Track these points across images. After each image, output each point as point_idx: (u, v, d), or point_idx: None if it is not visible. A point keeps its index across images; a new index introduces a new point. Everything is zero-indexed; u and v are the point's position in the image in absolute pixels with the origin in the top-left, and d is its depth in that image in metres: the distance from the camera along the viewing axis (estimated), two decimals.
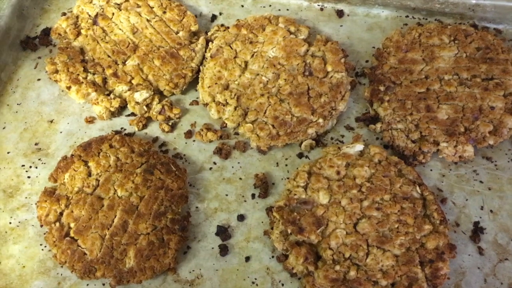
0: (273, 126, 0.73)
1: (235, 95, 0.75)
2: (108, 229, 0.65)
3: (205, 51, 0.81)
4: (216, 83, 0.77)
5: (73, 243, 0.64)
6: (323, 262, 0.64)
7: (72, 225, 0.65)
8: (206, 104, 0.77)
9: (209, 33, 0.84)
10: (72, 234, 0.65)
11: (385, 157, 0.71)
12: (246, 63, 0.78)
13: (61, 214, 0.66)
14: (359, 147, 0.72)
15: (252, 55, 0.79)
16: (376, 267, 0.62)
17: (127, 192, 0.67)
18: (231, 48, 0.80)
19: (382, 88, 0.76)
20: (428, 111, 0.73)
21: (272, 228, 0.68)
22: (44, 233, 0.67)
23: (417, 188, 0.68)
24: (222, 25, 0.85)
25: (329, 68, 0.77)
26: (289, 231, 0.65)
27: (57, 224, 0.66)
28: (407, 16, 0.87)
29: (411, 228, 0.64)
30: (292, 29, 0.81)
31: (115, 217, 0.65)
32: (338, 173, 0.69)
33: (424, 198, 0.68)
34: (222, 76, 0.77)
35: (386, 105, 0.75)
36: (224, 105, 0.75)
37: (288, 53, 0.78)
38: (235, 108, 0.75)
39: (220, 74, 0.77)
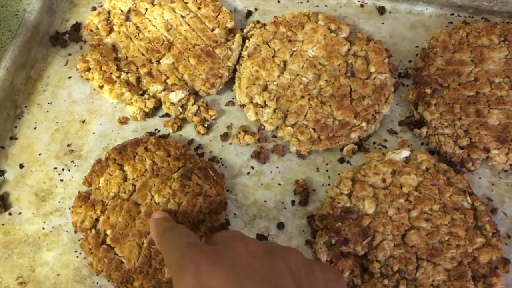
0: (314, 129, 0.70)
1: (274, 96, 0.72)
2: (146, 237, 0.62)
3: (241, 49, 0.78)
4: (254, 84, 0.73)
5: (110, 251, 0.62)
6: (370, 276, 0.61)
7: (108, 232, 0.63)
8: (243, 106, 0.74)
9: (244, 30, 0.80)
10: (108, 242, 0.62)
11: (433, 164, 0.67)
12: (285, 62, 0.75)
13: (96, 220, 0.64)
14: (405, 153, 0.69)
15: (291, 54, 0.75)
16: (427, 282, 0.59)
17: (164, 198, 0.65)
18: (269, 47, 0.76)
19: (428, 91, 0.72)
20: (478, 116, 0.69)
21: (314, 238, 0.65)
22: (79, 240, 0.65)
23: (468, 198, 0.65)
24: (258, 21, 0.81)
25: (372, 69, 0.73)
26: (333, 241, 0.63)
27: (93, 231, 0.63)
28: (452, 14, 0.82)
29: (463, 241, 0.61)
30: (333, 27, 0.78)
31: None
32: (384, 180, 0.66)
33: (475, 208, 0.65)
34: (260, 76, 0.74)
35: (433, 109, 0.71)
36: (262, 107, 0.72)
37: (329, 52, 0.74)
38: (274, 111, 0.71)
39: (258, 74, 0.74)
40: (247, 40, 0.78)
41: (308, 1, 0.85)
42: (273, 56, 0.75)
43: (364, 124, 0.71)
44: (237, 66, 0.77)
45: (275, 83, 0.73)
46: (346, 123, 0.70)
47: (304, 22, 0.78)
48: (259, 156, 0.71)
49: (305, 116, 0.71)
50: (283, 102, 0.72)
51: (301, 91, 0.72)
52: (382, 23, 0.82)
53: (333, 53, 0.75)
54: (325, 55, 0.74)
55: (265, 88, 0.73)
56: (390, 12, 0.83)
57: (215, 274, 0.35)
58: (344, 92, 0.72)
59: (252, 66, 0.75)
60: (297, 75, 0.74)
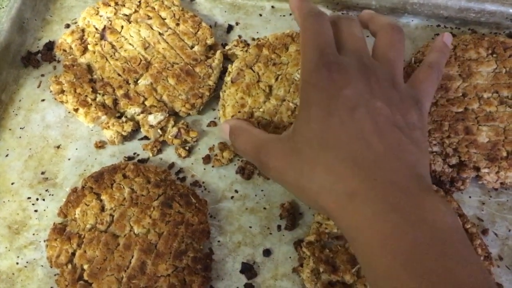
0: None
1: (260, 125, 0.69)
2: (125, 271, 0.59)
3: (222, 66, 0.75)
4: (239, 112, 0.70)
5: (87, 287, 0.59)
6: None
7: (85, 267, 0.60)
8: None
9: (226, 48, 0.77)
10: (85, 277, 0.59)
11: None
12: (270, 87, 0.72)
13: (73, 254, 0.61)
14: None
15: (277, 78, 0.72)
16: None
17: (144, 229, 0.62)
18: (253, 71, 0.73)
19: None
20: (467, 134, 0.68)
21: (301, 265, 0.63)
22: (55, 275, 0.62)
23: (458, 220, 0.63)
24: (241, 40, 0.78)
25: None
26: (320, 269, 0.60)
27: (69, 266, 0.60)
28: (438, 26, 0.80)
29: None
30: None
31: (132, 257, 0.60)
32: None
33: (466, 230, 0.63)
34: (246, 103, 0.70)
35: None
36: None
37: None
38: None
39: (243, 101, 0.71)
40: (230, 65, 0.75)
41: (290, 14, 0.82)
42: (258, 81, 0.72)
43: None
44: (221, 93, 0.73)
45: (261, 110, 0.70)
46: None
47: (288, 43, 0.75)
48: (244, 171, 0.69)
49: None
50: (270, 130, 0.69)
51: (289, 117, 0.69)
52: (367, 37, 0.79)
53: None
54: None
55: (251, 116, 0.70)
56: None
57: (344, 82, 0.51)
58: None
59: (237, 93, 0.71)
60: (284, 100, 0.71)
